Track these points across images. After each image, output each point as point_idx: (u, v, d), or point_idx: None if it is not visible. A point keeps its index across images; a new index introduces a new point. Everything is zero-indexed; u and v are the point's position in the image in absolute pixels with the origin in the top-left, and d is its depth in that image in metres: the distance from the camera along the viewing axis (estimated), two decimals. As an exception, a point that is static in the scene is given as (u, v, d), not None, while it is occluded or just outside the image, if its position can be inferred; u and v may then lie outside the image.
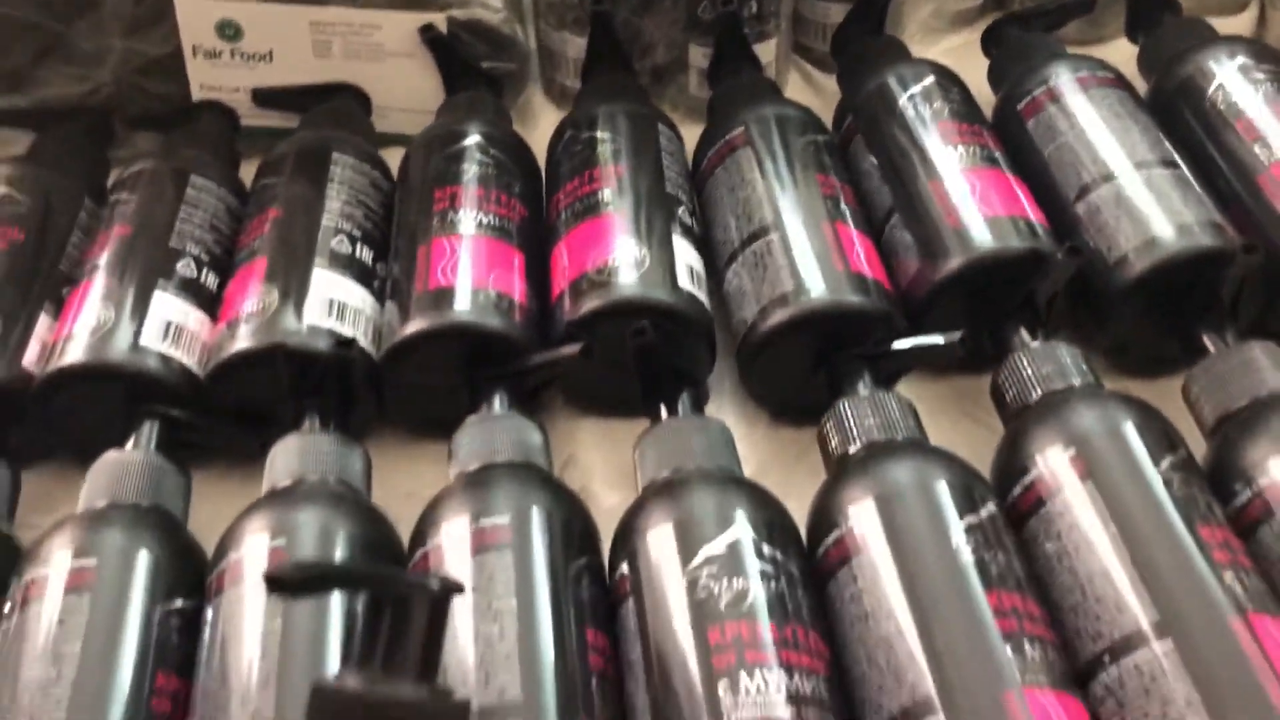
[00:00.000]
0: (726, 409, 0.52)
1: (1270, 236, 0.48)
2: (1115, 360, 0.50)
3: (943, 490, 0.39)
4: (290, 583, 0.29)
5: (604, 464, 0.51)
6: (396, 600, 0.29)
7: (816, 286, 0.47)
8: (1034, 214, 0.50)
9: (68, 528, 0.42)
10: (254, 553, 0.40)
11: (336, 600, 0.38)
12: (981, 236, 0.48)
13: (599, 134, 0.54)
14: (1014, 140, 0.54)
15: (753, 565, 0.38)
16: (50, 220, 0.55)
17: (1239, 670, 0.34)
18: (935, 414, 0.48)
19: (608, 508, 0.45)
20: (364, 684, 0.29)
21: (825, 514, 0.41)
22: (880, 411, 0.44)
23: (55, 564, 0.40)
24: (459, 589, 0.30)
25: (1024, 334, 0.47)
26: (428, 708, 0.29)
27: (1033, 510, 0.40)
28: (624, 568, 0.40)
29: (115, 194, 0.56)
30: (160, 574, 0.40)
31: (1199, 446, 0.43)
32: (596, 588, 0.40)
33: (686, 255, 0.50)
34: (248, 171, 0.60)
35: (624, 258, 0.48)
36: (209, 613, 0.40)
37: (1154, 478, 0.39)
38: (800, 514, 0.43)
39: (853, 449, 0.43)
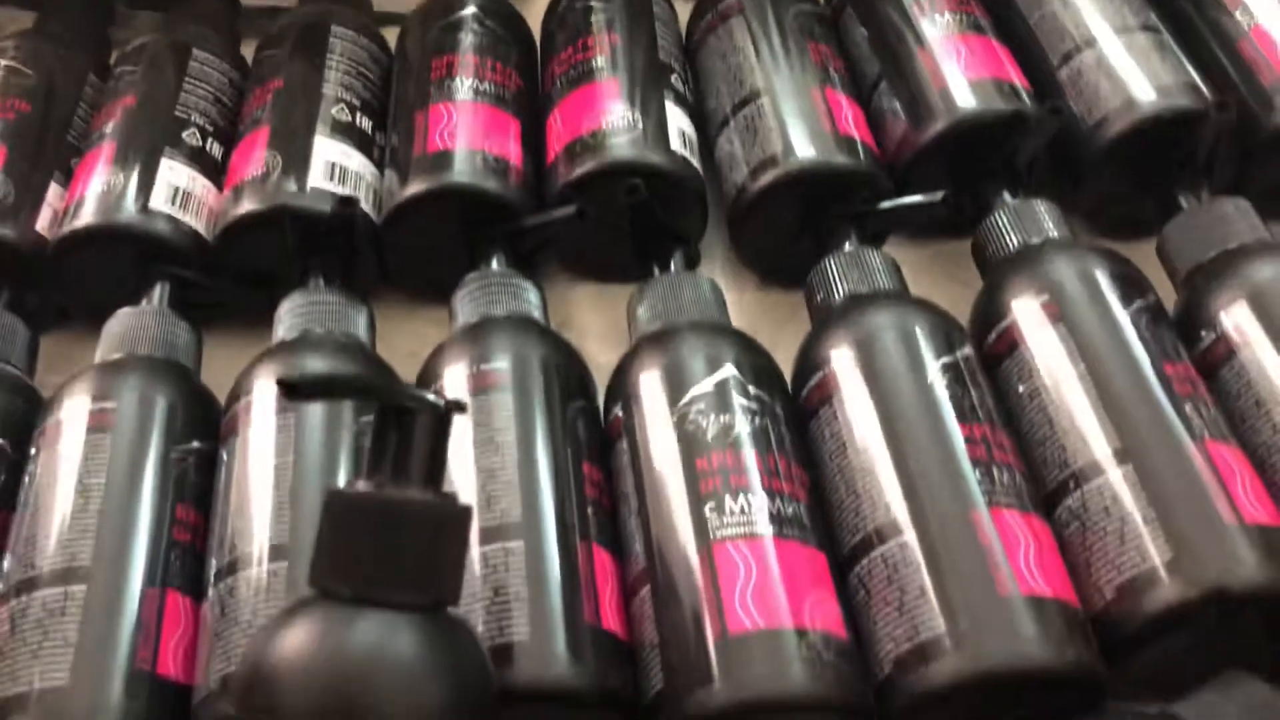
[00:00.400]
0: (717, 274, 0.53)
1: (1248, 100, 0.49)
2: (1092, 222, 0.52)
3: (920, 332, 0.41)
4: (303, 387, 0.30)
5: (598, 325, 0.52)
6: (403, 414, 0.31)
7: (805, 148, 0.49)
8: (1017, 78, 0.51)
9: (87, 376, 0.44)
10: (264, 396, 0.42)
11: (344, 436, 0.40)
12: (965, 99, 0.50)
13: (593, 3, 0.55)
14: (1000, 8, 0.55)
15: (738, 403, 0.40)
16: (56, 93, 0.56)
17: (1194, 490, 0.37)
18: (918, 275, 0.49)
19: (601, 364, 0.47)
20: (374, 488, 0.31)
21: (808, 359, 0.43)
22: (864, 266, 0.45)
23: (76, 408, 0.42)
24: (462, 407, 0.32)
25: (1005, 194, 0.49)
26: (434, 509, 0.31)
27: (1006, 354, 0.42)
28: (617, 409, 0.42)
29: (119, 68, 0.57)
30: (176, 416, 0.43)
31: (1171, 304, 0.45)
32: (591, 429, 0.42)
33: (679, 120, 0.51)
34: (248, 51, 0.61)
35: (617, 122, 0.50)
36: (223, 453, 0.42)
37: (1122, 318, 0.41)
38: (787, 371, 0.45)
39: (836, 300, 0.45)
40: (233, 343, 0.51)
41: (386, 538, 0.30)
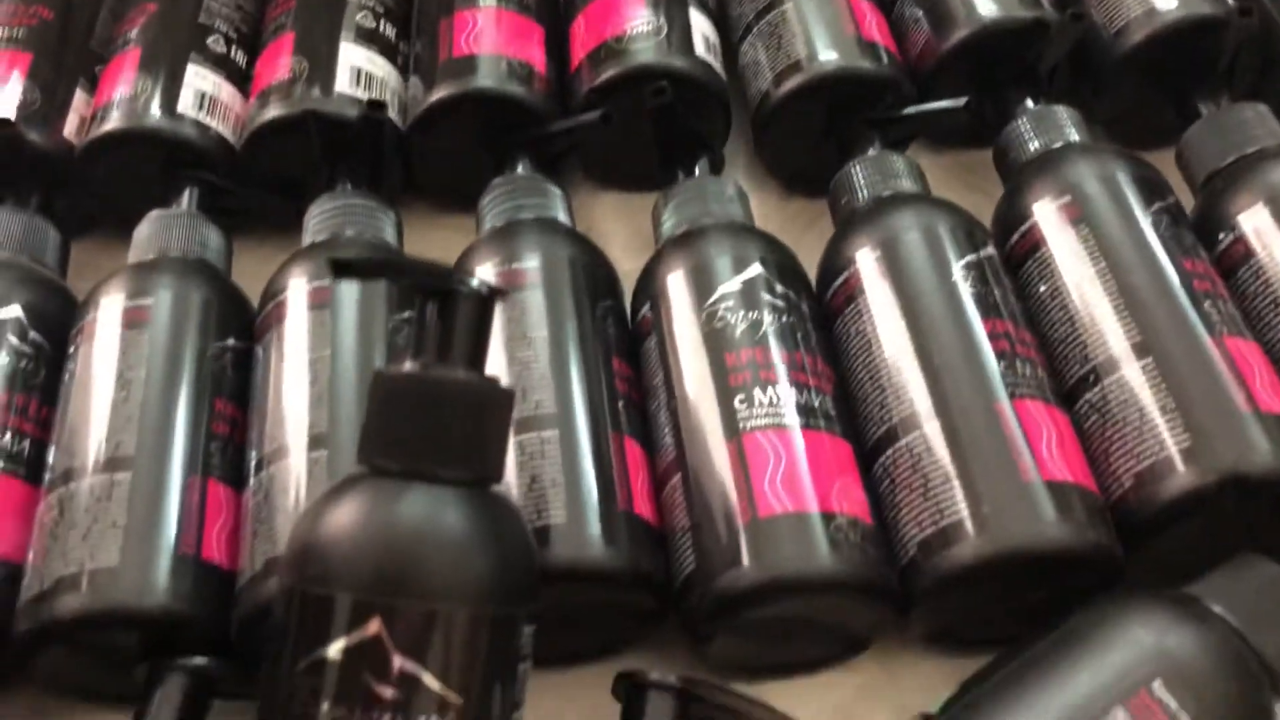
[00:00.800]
0: (740, 181, 0.54)
1: (1269, 6, 0.50)
2: (1113, 131, 0.52)
3: (943, 231, 0.42)
4: (354, 266, 0.31)
5: (622, 234, 0.53)
6: (447, 298, 0.32)
7: (828, 53, 0.49)
8: (1041, -15, 0.51)
9: (121, 276, 0.44)
10: (298, 293, 0.43)
11: (379, 331, 0.41)
12: (987, 7, 0.50)
13: (616, -91, 0.55)
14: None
15: (766, 300, 0.41)
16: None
17: (1211, 381, 0.38)
18: (939, 185, 0.50)
19: (626, 271, 0.48)
20: (420, 369, 0.32)
21: (833, 260, 0.44)
22: (887, 170, 0.46)
23: (112, 306, 0.43)
24: (504, 293, 0.33)
25: (1026, 101, 0.49)
26: (478, 387, 0.32)
27: (1028, 255, 0.43)
28: (646, 309, 0.43)
29: (139, -27, 0.57)
30: (211, 314, 0.43)
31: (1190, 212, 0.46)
32: (620, 328, 0.43)
33: (702, 26, 0.51)
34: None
35: (641, 26, 0.50)
36: (259, 351, 0.43)
37: (1142, 218, 0.42)
38: (811, 277, 0.45)
39: (860, 203, 0.45)
40: (260, 250, 0.52)
41: (432, 416, 0.31)
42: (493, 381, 0.32)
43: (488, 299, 0.32)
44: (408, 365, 0.32)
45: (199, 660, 0.37)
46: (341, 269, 0.31)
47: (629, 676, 0.36)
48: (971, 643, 0.38)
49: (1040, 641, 0.34)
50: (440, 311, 0.32)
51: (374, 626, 0.29)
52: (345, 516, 0.30)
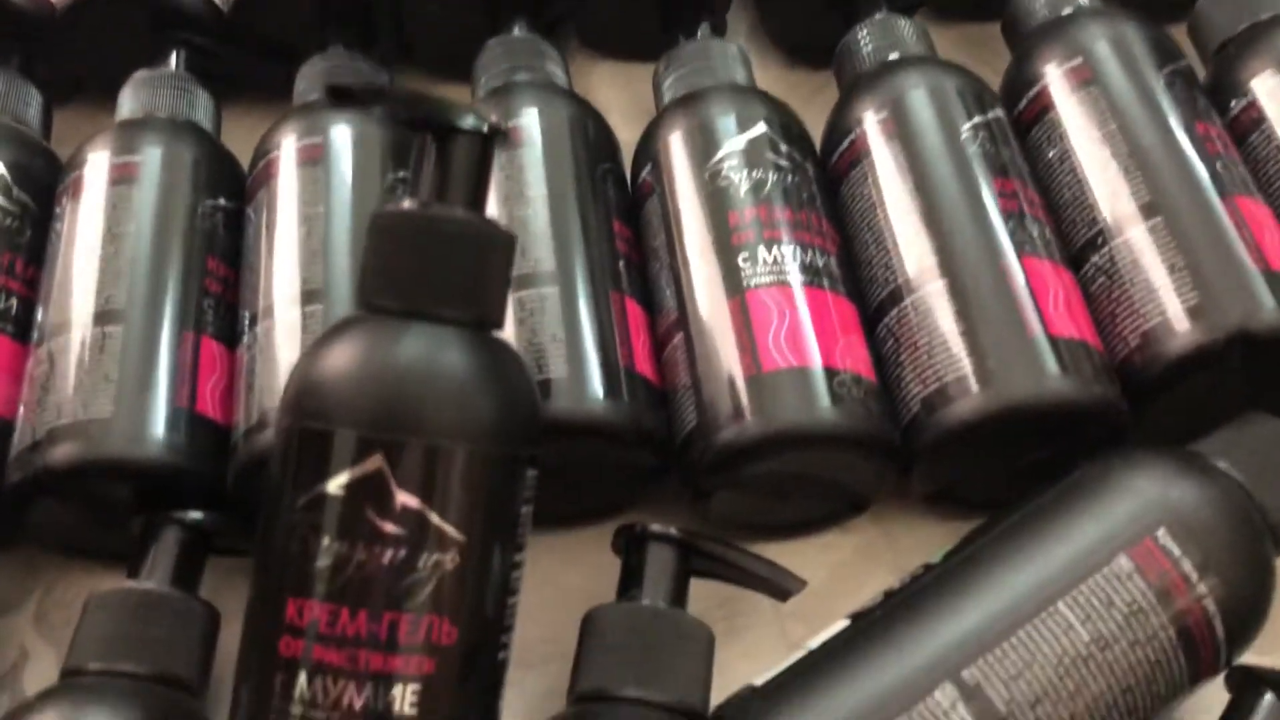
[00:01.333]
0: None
1: None
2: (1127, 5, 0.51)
3: (951, 92, 0.41)
4: (351, 92, 0.30)
5: (620, 102, 0.52)
6: (446, 134, 0.31)
7: (834, -85, 0.48)
8: None
9: (107, 134, 0.43)
10: (289, 151, 0.42)
11: (375, 188, 0.40)
12: None
13: None
14: None
15: (770, 159, 0.40)
16: None
17: (1220, 240, 0.37)
18: (946, 57, 0.49)
19: (624, 140, 0.47)
20: (419, 207, 0.31)
21: (838, 125, 0.43)
22: (893, 33, 0.45)
23: (99, 162, 0.42)
24: (505, 133, 0.32)
25: (1036, -33, 0.48)
26: (478, 227, 0.31)
27: (1036, 119, 0.42)
28: (646, 171, 0.42)
29: None
30: (200, 172, 0.42)
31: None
32: (619, 191, 0.42)
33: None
34: None
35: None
36: (250, 211, 0.42)
37: (1153, 79, 0.41)
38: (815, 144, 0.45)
39: (866, 66, 0.44)
40: (248, 119, 0.50)
41: (433, 254, 0.30)
42: (493, 222, 0.32)
43: (489, 137, 0.32)
44: (406, 204, 0.31)
45: (194, 514, 0.36)
46: (340, 94, 0.30)
47: (629, 529, 0.35)
48: (971, 504, 0.38)
49: (1043, 494, 0.34)
50: (439, 149, 0.31)
51: (376, 462, 0.29)
52: (346, 354, 0.30)
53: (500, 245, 0.31)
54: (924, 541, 0.38)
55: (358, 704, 0.28)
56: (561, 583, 0.39)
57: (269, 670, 0.29)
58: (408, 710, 0.28)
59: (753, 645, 0.38)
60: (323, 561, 0.28)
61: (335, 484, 0.29)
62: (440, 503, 0.29)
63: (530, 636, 0.37)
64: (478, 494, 0.29)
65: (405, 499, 0.29)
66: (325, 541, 0.28)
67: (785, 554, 0.38)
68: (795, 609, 0.39)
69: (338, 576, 0.28)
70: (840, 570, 0.40)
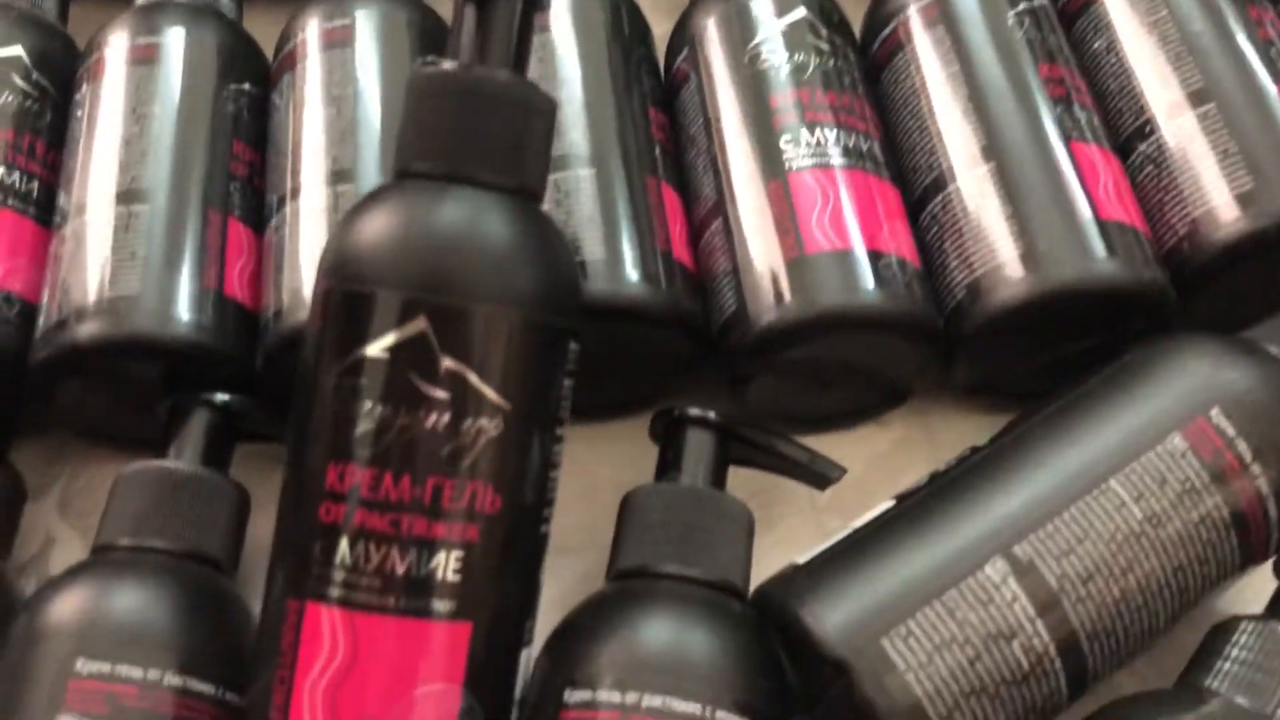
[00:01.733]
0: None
1: None
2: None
3: (997, -24, 0.40)
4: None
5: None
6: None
7: None
8: None
9: (126, 15, 0.42)
10: (314, 34, 0.40)
11: (402, 71, 0.39)
12: None
13: None
14: None
15: (811, 43, 0.39)
16: None
17: (1274, 125, 0.36)
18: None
19: (657, 34, 0.46)
20: (460, 69, 0.30)
21: (878, 12, 0.42)
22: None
23: (119, 43, 0.41)
24: (544, -3, 0.31)
25: None
26: (520, 89, 0.30)
27: (1082, 10, 0.41)
28: (682, 58, 0.41)
29: None
30: (223, 54, 0.41)
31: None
32: (653, 79, 0.41)
33: None
34: None
35: None
36: (275, 96, 0.41)
37: (1208, -34, 0.40)
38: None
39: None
40: (271, 14, 0.49)
41: (474, 117, 0.29)
42: (535, 86, 0.31)
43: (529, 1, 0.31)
44: (446, 65, 0.30)
45: (222, 396, 0.36)
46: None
47: (667, 413, 0.35)
48: (1012, 396, 0.38)
49: (1092, 376, 0.33)
50: (480, 11, 0.30)
51: (420, 324, 0.28)
52: (390, 216, 0.29)
53: (543, 110, 0.31)
54: (963, 436, 0.38)
55: (400, 569, 0.28)
56: (597, 474, 0.39)
57: (309, 537, 0.28)
58: (451, 577, 0.28)
59: (787, 535, 0.38)
60: (364, 426, 0.28)
61: (378, 347, 0.28)
62: (484, 368, 0.28)
63: (566, 525, 0.37)
64: (521, 361, 0.28)
65: (449, 363, 0.28)
66: (367, 405, 0.28)
67: (822, 446, 0.37)
68: (831, 502, 0.39)
69: (380, 440, 0.28)
70: (878, 463, 0.39)
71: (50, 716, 0.28)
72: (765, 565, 0.34)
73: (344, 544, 0.28)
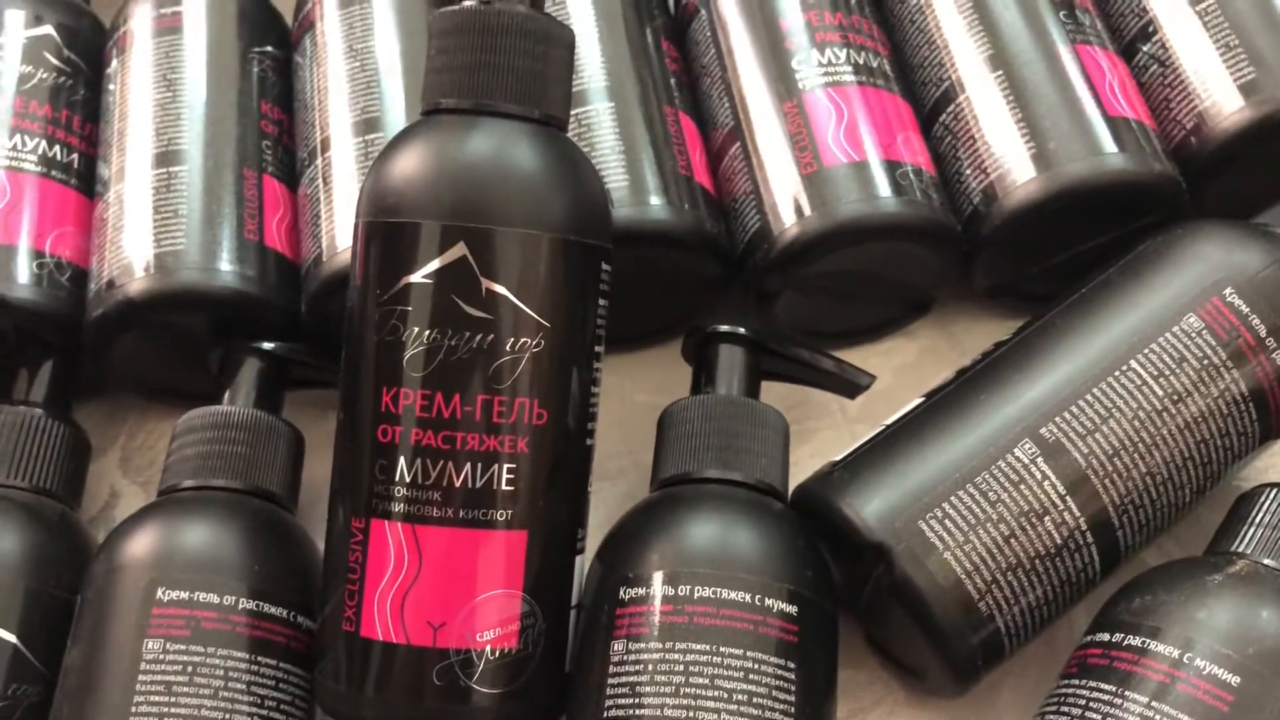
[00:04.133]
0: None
1: None
2: None
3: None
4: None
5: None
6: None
7: None
8: None
9: (148, -10, 0.44)
10: (334, -6, 0.42)
11: (420, 22, 0.40)
12: None
13: None
14: None
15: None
16: None
17: (1272, 15, 0.37)
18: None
19: None
20: (480, 3, 0.31)
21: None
22: None
23: (143, 15, 0.42)
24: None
25: None
26: (541, 22, 0.31)
27: (1080, -82, 0.42)
28: (691, -10, 0.42)
29: None
30: (245, 19, 0.42)
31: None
32: (664, 14, 0.42)
33: None
34: None
35: None
36: (298, 57, 0.42)
37: None
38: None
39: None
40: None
41: (495, 50, 0.30)
42: (554, 17, 0.32)
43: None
44: (467, 2, 0.31)
45: (270, 343, 0.37)
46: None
47: (698, 330, 0.36)
48: (1032, 299, 0.39)
49: (1109, 267, 0.34)
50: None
51: (460, 250, 0.29)
52: (423, 150, 0.30)
53: (562, 40, 0.32)
54: (988, 342, 0.39)
55: (457, 482, 0.29)
56: (633, 400, 0.40)
57: (369, 459, 0.30)
58: (505, 487, 0.29)
59: (822, 446, 0.39)
60: (414, 350, 0.29)
61: (421, 274, 0.29)
62: (523, 289, 0.29)
63: (605, 451, 0.38)
64: (558, 281, 0.30)
65: (490, 284, 0.29)
66: (415, 330, 0.29)
67: (850, 359, 0.38)
68: (862, 412, 0.40)
69: (429, 362, 0.29)
70: (905, 373, 0.40)
71: (138, 642, 0.30)
72: (803, 475, 0.35)
73: (403, 462, 0.29)
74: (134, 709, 0.30)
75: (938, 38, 0.39)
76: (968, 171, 0.37)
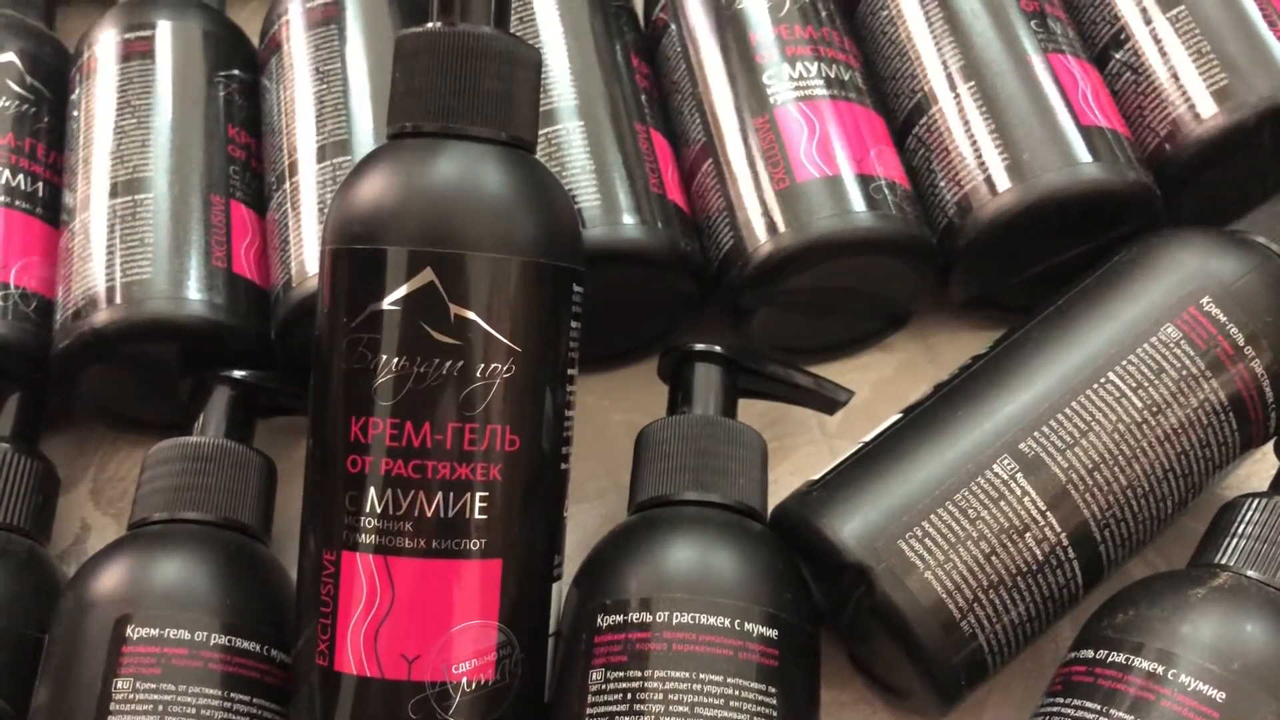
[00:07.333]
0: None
1: None
2: None
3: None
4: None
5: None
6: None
7: None
8: None
9: (114, 12, 0.43)
10: (298, 14, 0.41)
11: (389, 44, 0.40)
12: None
13: None
14: None
15: None
16: None
17: (1243, 20, 0.37)
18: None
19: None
20: (445, 26, 0.31)
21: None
22: None
23: (108, 40, 0.42)
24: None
25: None
26: (506, 41, 0.31)
27: (1050, -74, 0.42)
28: (661, 5, 0.42)
29: None
30: (211, 42, 0.42)
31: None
32: (634, 31, 0.42)
33: None
34: None
35: None
36: (265, 80, 0.42)
37: None
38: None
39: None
40: (250, 4, 0.50)
41: (462, 72, 0.30)
42: (520, 39, 0.31)
43: (510, -46, 0.31)
44: (431, 25, 0.31)
45: (240, 371, 0.37)
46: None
47: (675, 349, 0.36)
48: (1009, 310, 0.38)
49: (1086, 278, 0.34)
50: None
51: (427, 275, 0.29)
52: (389, 175, 0.30)
53: (528, 61, 0.31)
54: (964, 355, 0.38)
55: (429, 512, 0.29)
56: (609, 420, 0.40)
57: (338, 490, 0.29)
58: (478, 515, 0.29)
59: (801, 462, 0.39)
60: (382, 378, 0.29)
61: (389, 301, 0.29)
62: (492, 313, 0.29)
63: (583, 473, 0.38)
64: (528, 305, 0.29)
65: (459, 310, 0.29)
66: (384, 358, 0.29)
67: (827, 374, 0.38)
68: (841, 427, 0.40)
69: (399, 390, 0.29)
70: (884, 387, 0.40)
71: (108, 682, 0.29)
72: (783, 492, 0.34)
73: (373, 493, 0.29)
74: (104, 750, 0.29)
75: (909, 49, 0.39)
76: (942, 184, 0.37)
